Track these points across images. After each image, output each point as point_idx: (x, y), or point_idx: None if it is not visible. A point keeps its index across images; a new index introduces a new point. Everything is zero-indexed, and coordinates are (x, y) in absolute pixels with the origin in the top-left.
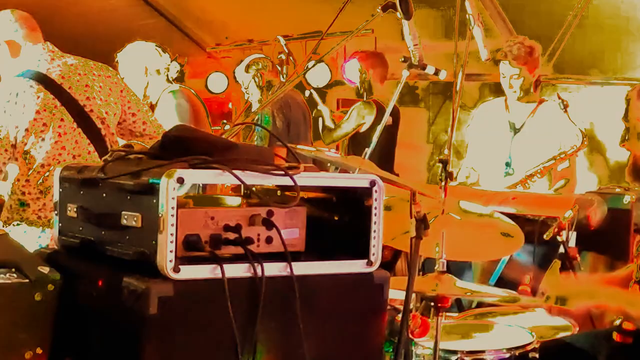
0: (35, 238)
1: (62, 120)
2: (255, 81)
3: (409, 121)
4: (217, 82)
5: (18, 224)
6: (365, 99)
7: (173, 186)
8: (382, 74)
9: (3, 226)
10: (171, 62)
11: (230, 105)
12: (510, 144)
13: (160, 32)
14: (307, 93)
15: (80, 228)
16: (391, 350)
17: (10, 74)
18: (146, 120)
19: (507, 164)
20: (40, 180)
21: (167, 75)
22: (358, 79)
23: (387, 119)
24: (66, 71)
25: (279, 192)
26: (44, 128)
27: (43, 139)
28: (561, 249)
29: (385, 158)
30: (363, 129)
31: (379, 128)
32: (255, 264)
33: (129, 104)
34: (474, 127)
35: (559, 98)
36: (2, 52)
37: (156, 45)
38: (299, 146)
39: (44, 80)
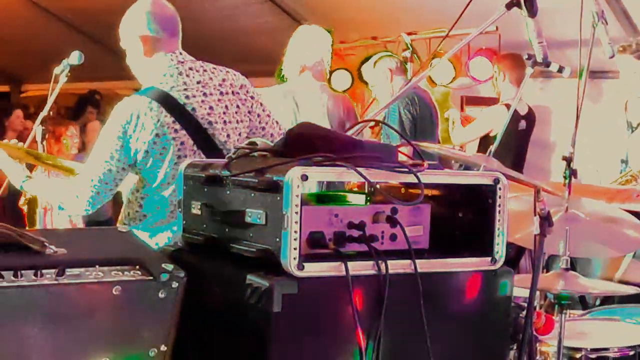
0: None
1: (182, 143)
2: (382, 78)
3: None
4: (341, 80)
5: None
6: (499, 101)
7: (297, 183)
8: (518, 76)
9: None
10: None
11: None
12: (627, 142)
13: (284, 31)
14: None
15: (204, 225)
16: (515, 348)
17: (140, 72)
18: (273, 132)
19: (623, 162)
20: (159, 198)
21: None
22: (493, 81)
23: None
24: (191, 90)
25: (403, 190)
26: (163, 151)
27: (162, 161)
28: None
29: (517, 162)
30: (493, 133)
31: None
32: (380, 262)
33: (258, 118)
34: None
35: None
36: (137, 48)
37: None
38: (423, 143)
39: (166, 102)
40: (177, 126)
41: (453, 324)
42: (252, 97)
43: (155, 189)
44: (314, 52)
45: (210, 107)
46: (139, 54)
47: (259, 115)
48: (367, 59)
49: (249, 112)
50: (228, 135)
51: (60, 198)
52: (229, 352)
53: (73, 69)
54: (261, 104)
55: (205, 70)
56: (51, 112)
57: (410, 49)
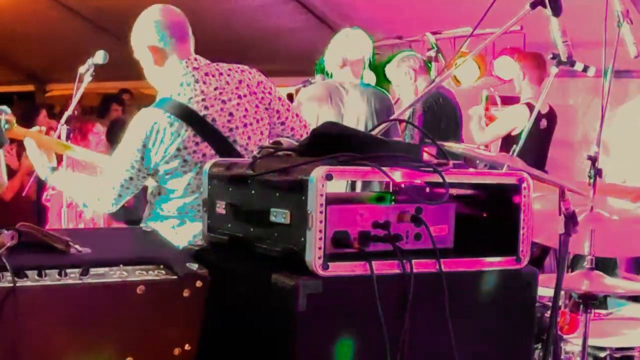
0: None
1: (203, 155)
2: (405, 78)
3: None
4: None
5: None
6: (520, 100)
7: (322, 183)
8: (540, 75)
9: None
10: None
11: None
12: None
13: (310, 30)
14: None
15: (229, 225)
16: (540, 347)
17: (154, 80)
18: (294, 126)
19: None
20: (180, 205)
21: None
22: (515, 79)
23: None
24: (209, 99)
25: (427, 189)
26: (184, 164)
27: (184, 172)
28: None
29: (538, 161)
30: (515, 132)
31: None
32: (404, 261)
33: (277, 114)
34: (618, 126)
35: None
36: (147, 57)
37: None
38: (448, 143)
39: (185, 115)
40: (198, 139)
41: (477, 323)
42: (269, 93)
43: (175, 197)
44: (356, 50)
45: (230, 114)
46: (150, 64)
47: (277, 112)
48: (391, 59)
49: (267, 109)
50: (249, 137)
51: (84, 197)
52: (253, 351)
53: (98, 69)
54: (280, 99)
55: (221, 74)
56: (76, 112)
57: (435, 48)
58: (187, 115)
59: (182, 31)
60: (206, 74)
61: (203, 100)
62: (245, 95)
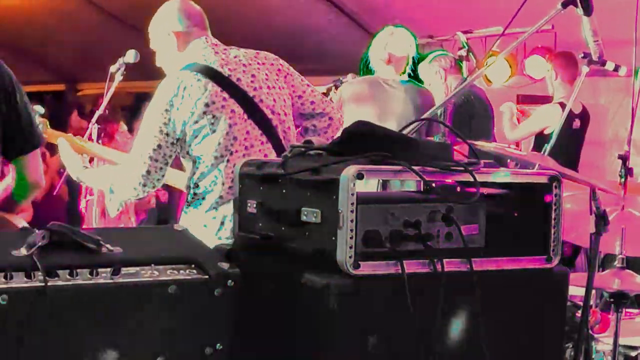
0: (214, 232)
1: (232, 111)
2: (437, 77)
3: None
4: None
5: (197, 220)
6: (553, 99)
7: (353, 182)
8: (572, 75)
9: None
10: None
11: None
12: None
13: (341, 29)
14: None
15: (260, 224)
16: (571, 346)
17: (175, 67)
18: (314, 99)
19: None
20: (215, 173)
21: None
22: (546, 79)
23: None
24: (230, 62)
25: (458, 188)
26: (214, 120)
27: (214, 131)
28: None
29: (570, 160)
30: (547, 131)
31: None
32: (435, 260)
33: (293, 87)
34: None
35: None
36: (170, 44)
37: None
38: (478, 142)
39: (210, 73)
40: (225, 94)
41: (508, 323)
42: (285, 67)
43: (209, 165)
44: (401, 48)
45: (253, 75)
46: (172, 50)
47: (293, 85)
48: (422, 58)
49: (285, 81)
50: (274, 100)
51: (111, 181)
52: (284, 350)
53: (128, 68)
54: (298, 76)
55: (237, 49)
56: (107, 111)
57: (466, 47)
58: (212, 73)
59: (202, 21)
60: (224, 49)
61: (225, 64)
62: (263, 64)
